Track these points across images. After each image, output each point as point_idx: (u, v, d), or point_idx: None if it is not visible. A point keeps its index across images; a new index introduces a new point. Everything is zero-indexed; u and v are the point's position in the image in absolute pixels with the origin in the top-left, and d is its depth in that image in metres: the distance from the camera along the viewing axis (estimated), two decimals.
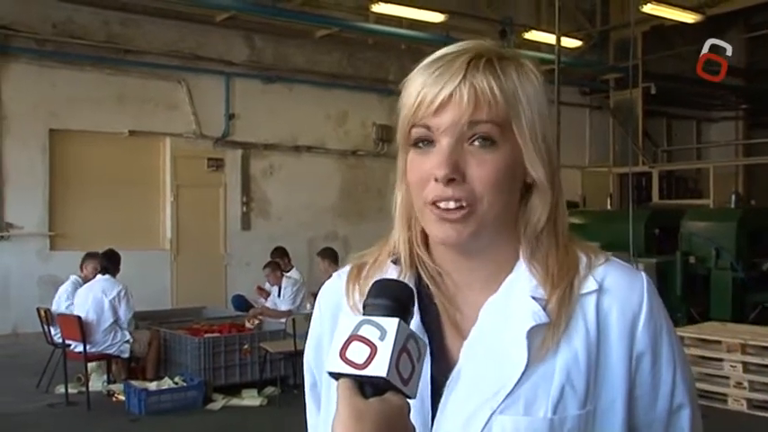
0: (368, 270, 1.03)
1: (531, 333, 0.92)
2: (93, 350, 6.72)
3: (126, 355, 6.93)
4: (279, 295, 7.81)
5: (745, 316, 8.74)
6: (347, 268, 1.07)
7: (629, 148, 11.85)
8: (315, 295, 1.14)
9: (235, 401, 6.53)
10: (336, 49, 12.24)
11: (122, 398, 6.42)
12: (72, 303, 7.04)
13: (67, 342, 6.76)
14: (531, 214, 0.97)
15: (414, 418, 0.85)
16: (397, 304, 0.85)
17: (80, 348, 6.62)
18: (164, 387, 6.36)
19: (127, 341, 6.87)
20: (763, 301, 8.96)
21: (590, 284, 0.96)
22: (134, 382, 6.48)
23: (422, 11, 10.96)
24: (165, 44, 10.73)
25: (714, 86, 13.77)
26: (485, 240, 0.95)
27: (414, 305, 0.89)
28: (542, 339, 0.92)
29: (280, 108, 11.73)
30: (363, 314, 0.85)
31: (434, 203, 0.92)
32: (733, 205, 10.07)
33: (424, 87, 0.93)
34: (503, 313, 0.95)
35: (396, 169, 1.01)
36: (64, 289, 7.32)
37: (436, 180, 0.91)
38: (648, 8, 11.19)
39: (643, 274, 1.00)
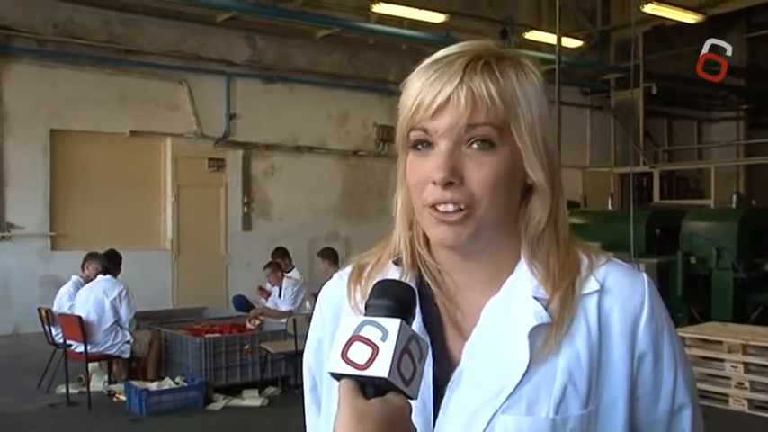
0: (369, 271, 1.03)
1: (533, 333, 0.92)
2: (93, 350, 6.72)
3: (127, 356, 6.94)
4: (279, 296, 7.81)
5: (747, 316, 8.74)
6: (348, 269, 1.07)
7: (630, 149, 11.86)
8: (315, 296, 1.14)
9: (236, 402, 6.54)
10: (337, 49, 12.24)
11: (123, 398, 6.42)
12: (74, 304, 7.04)
13: (68, 342, 6.76)
14: (532, 216, 0.97)
15: (415, 418, 0.85)
16: (398, 305, 0.85)
17: (81, 348, 6.62)
18: (165, 387, 6.36)
19: (128, 341, 6.88)
20: (764, 301, 8.96)
21: (591, 285, 0.96)
22: (135, 383, 6.48)
23: (423, 11, 10.95)
24: (166, 44, 10.74)
25: (715, 86, 13.78)
26: (484, 241, 0.95)
27: (416, 306, 0.89)
28: (544, 339, 0.92)
29: (281, 108, 11.73)
30: (365, 315, 0.86)
31: (433, 206, 0.93)
32: (734, 205, 10.07)
33: (422, 90, 0.93)
34: (504, 313, 0.95)
35: (396, 170, 1.01)
36: (66, 289, 7.32)
37: (434, 183, 0.91)
38: (649, 8, 11.18)
39: (644, 274, 1.00)
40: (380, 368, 0.80)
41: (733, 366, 6.22)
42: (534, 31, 12.36)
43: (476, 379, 0.93)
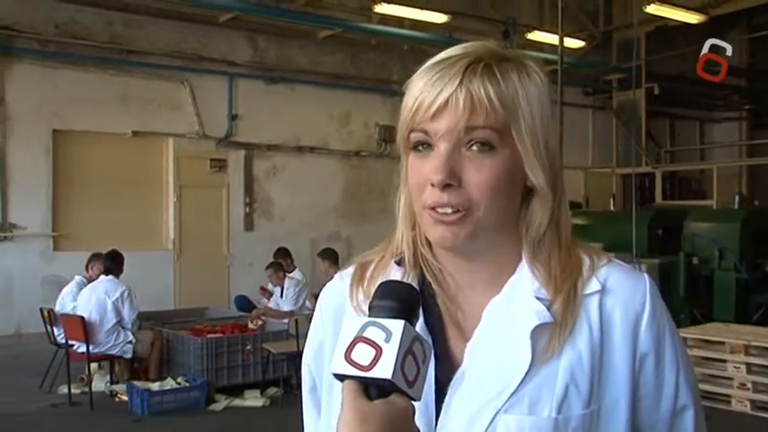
0: (371, 271, 1.03)
1: (536, 333, 0.92)
2: (96, 351, 6.73)
3: (129, 356, 6.94)
4: (281, 296, 7.81)
5: (749, 317, 8.73)
6: (350, 269, 1.07)
7: (632, 149, 11.84)
8: (317, 296, 1.13)
9: (237, 402, 6.54)
10: (339, 49, 12.25)
11: (125, 398, 6.43)
12: (77, 304, 7.05)
13: (70, 342, 6.77)
14: (533, 218, 0.97)
15: (417, 419, 0.85)
16: (402, 306, 0.85)
17: (83, 349, 6.63)
18: (166, 387, 6.36)
19: (130, 342, 6.88)
20: (766, 301, 8.96)
21: (593, 285, 0.96)
22: (137, 383, 6.48)
23: (425, 11, 10.95)
24: (168, 45, 10.74)
25: (717, 87, 13.78)
26: (483, 243, 0.95)
27: (419, 307, 0.90)
28: (547, 339, 0.92)
29: (283, 109, 11.73)
30: (369, 316, 0.85)
31: (432, 208, 0.93)
32: (736, 206, 10.07)
33: (422, 92, 0.93)
34: (506, 314, 0.95)
35: (399, 170, 1.01)
36: (69, 289, 7.33)
37: (432, 185, 0.92)
38: (651, 9, 11.18)
39: (646, 275, 1.00)
40: (384, 370, 0.80)
41: (735, 367, 6.21)
42: (536, 32, 12.37)
43: (477, 379, 0.93)
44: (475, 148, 0.92)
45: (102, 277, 7.02)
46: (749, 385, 6.14)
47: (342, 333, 0.84)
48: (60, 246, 10.01)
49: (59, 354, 6.91)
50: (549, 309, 0.93)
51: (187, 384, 6.44)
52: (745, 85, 15.97)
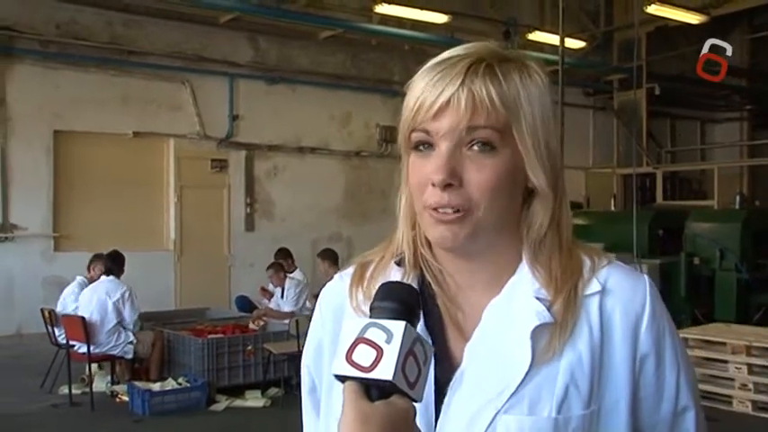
0: (371, 271, 1.03)
1: (535, 333, 0.92)
2: (96, 351, 6.73)
3: (130, 356, 6.95)
4: (282, 296, 7.81)
5: (750, 317, 8.72)
6: (350, 270, 1.06)
7: (633, 149, 11.83)
8: (318, 297, 1.13)
9: (238, 402, 6.54)
10: (340, 50, 12.25)
11: (126, 398, 6.44)
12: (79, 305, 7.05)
13: (71, 343, 6.77)
14: (534, 219, 0.97)
15: (417, 420, 0.85)
16: (403, 307, 0.85)
17: (84, 349, 6.63)
18: (167, 388, 6.36)
19: (130, 342, 6.89)
20: (767, 302, 8.94)
21: (593, 286, 0.96)
22: (138, 383, 6.48)
23: (425, 12, 10.96)
24: (168, 45, 10.75)
25: (718, 87, 13.77)
26: (483, 243, 0.95)
27: (420, 308, 0.89)
28: (547, 340, 0.92)
29: (284, 109, 11.74)
30: (370, 317, 0.85)
31: (433, 209, 0.93)
32: (737, 206, 10.06)
33: (423, 91, 0.93)
34: (506, 314, 0.95)
35: (399, 170, 1.01)
36: (70, 290, 7.33)
37: (434, 185, 0.92)
38: (652, 9, 11.18)
39: (646, 276, 1.00)
40: (385, 371, 0.80)
41: (737, 368, 6.20)
42: (537, 32, 12.37)
43: (477, 379, 0.93)
44: (476, 148, 0.92)
45: (103, 278, 7.02)
46: (750, 386, 6.14)
47: (343, 334, 0.84)
48: (61, 246, 10.01)
49: (60, 354, 6.91)
50: (549, 309, 0.93)
51: (188, 385, 6.44)
52: (746, 86, 15.97)
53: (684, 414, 0.99)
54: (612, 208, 12.44)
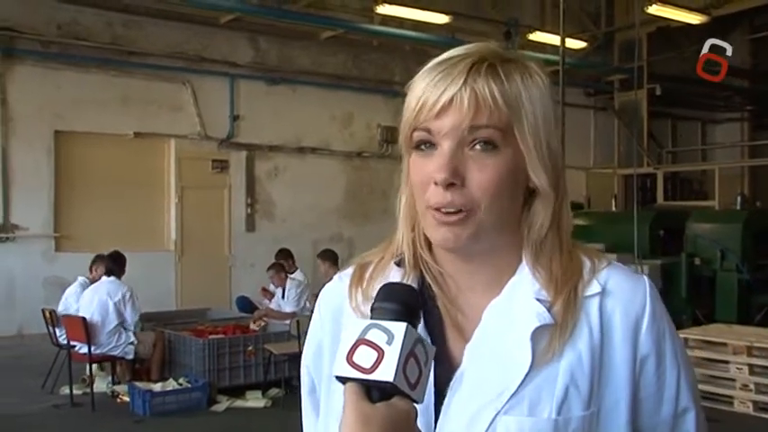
0: (371, 272, 1.03)
1: (536, 334, 0.92)
2: (97, 351, 6.73)
3: (130, 357, 6.94)
4: (283, 297, 7.81)
5: (751, 318, 8.72)
6: (349, 270, 1.06)
7: (634, 150, 11.83)
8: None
9: (239, 403, 6.54)
10: (341, 50, 12.25)
11: (127, 399, 6.44)
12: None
13: (72, 343, 6.78)
14: (534, 219, 0.97)
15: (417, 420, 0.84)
16: (404, 308, 0.85)
17: (85, 350, 6.63)
18: (168, 388, 6.37)
19: (131, 343, 6.89)
20: None
21: (593, 287, 0.96)
22: (139, 384, 6.49)
23: (426, 12, 10.95)
24: (169, 46, 10.75)
25: (719, 88, 13.77)
26: (485, 244, 0.95)
27: (421, 310, 0.89)
28: (547, 341, 0.92)
29: (284, 109, 11.74)
30: (371, 318, 0.85)
31: (436, 209, 0.92)
32: (738, 207, 10.06)
33: (425, 91, 0.93)
34: (506, 315, 0.95)
35: (400, 171, 1.01)
36: (73, 291, 7.32)
37: (436, 184, 0.91)
38: (653, 9, 11.17)
39: (645, 278, 1.00)
40: (386, 372, 0.80)
41: (738, 368, 6.20)
42: (538, 33, 12.36)
43: (477, 380, 0.93)
44: (478, 147, 0.92)
45: (104, 278, 7.03)
46: (751, 386, 6.13)
47: (344, 335, 0.84)
48: (62, 246, 10.01)
49: (61, 355, 6.92)
50: (549, 310, 0.93)
51: (189, 385, 6.44)
52: (747, 86, 15.96)
53: (685, 415, 0.99)
54: (613, 208, 12.44)
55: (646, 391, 0.96)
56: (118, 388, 6.80)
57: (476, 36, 11.05)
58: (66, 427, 6.13)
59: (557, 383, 0.91)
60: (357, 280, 1.03)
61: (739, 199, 10.22)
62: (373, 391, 0.81)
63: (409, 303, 0.86)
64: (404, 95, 0.97)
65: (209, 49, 11.10)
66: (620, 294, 0.96)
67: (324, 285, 1.11)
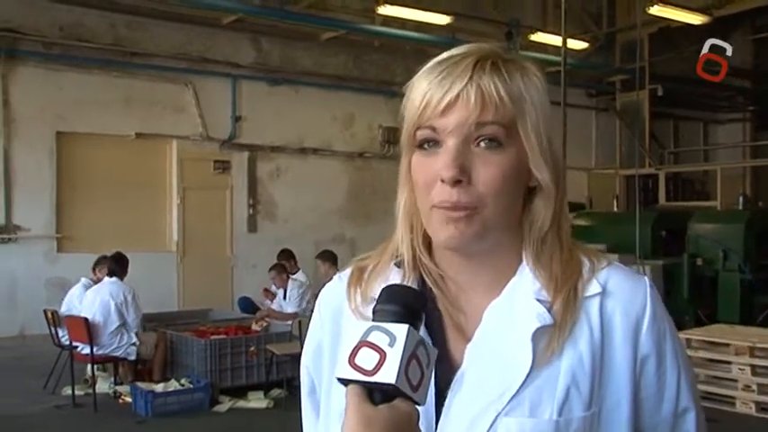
0: (369, 273, 1.03)
1: (536, 335, 0.92)
2: (99, 352, 6.74)
3: (132, 358, 6.95)
4: (285, 297, 7.81)
5: (754, 318, 8.71)
6: (348, 271, 1.06)
7: (636, 150, 11.81)
8: None
9: (241, 403, 6.54)
10: (343, 51, 12.25)
11: (129, 400, 6.44)
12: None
13: (74, 344, 6.78)
14: (536, 217, 0.97)
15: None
16: (406, 310, 0.85)
17: (87, 350, 6.64)
18: (170, 389, 6.37)
19: (133, 343, 6.89)
20: None
21: (593, 287, 0.96)
22: (141, 384, 6.49)
23: (428, 13, 10.96)
24: (171, 47, 10.76)
25: (721, 88, 13.76)
26: (488, 243, 0.95)
27: (423, 311, 0.89)
28: (547, 342, 0.92)
29: (286, 110, 11.74)
30: (373, 319, 0.85)
31: (442, 206, 0.92)
32: (740, 207, 10.05)
33: (429, 89, 0.92)
34: (507, 316, 0.95)
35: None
36: (76, 292, 7.32)
37: (443, 181, 0.91)
38: (655, 10, 11.17)
39: (646, 278, 1.00)
40: (388, 374, 0.79)
41: (740, 369, 6.19)
42: (540, 33, 12.37)
43: (478, 381, 0.93)
44: (483, 144, 0.91)
45: (107, 279, 7.03)
46: (754, 387, 6.12)
47: (346, 337, 0.84)
48: (64, 247, 10.02)
49: (63, 355, 6.92)
50: (549, 311, 0.93)
51: (191, 386, 6.45)
52: (749, 87, 15.95)
53: (685, 415, 0.99)
54: (615, 209, 12.44)
55: (646, 391, 0.96)
56: (120, 389, 6.81)
57: (477, 37, 11.06)
58: (67, 427, 6.13)
59: (558, 384, 0.91)
60: (356, 281, 1.03)
61: (741, 199, 10.21)
62: (375, 393, 0.81)
63: (411, 305, 0.86)
64: (403, 96, 0.97)
65: (212, 49, 11.11)
66: (621, 295, 0.96)
67: (324, 286, 1.11)
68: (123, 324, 6.88)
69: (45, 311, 7.22)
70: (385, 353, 0.80)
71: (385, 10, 10.60)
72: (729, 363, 6.28)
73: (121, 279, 7.06)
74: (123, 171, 10.45)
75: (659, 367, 0.96)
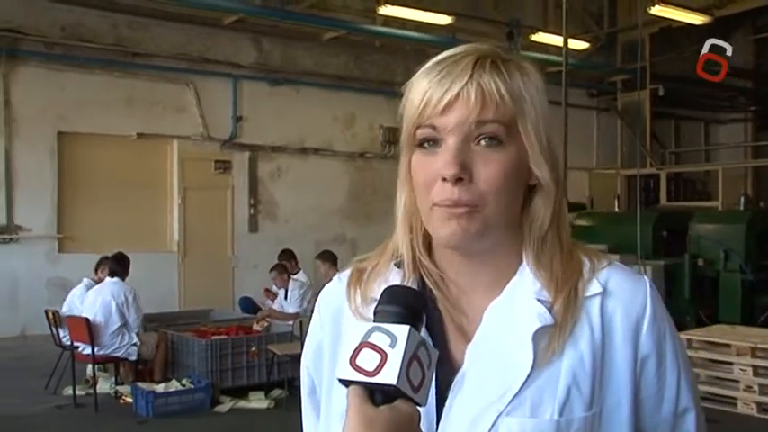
0: (369, 273, 1.03)
1: (537, 335, 0.92)
2: (100, 352, 6.74)
3: (133, 358, 6.95)
4: (286, 298, 7.82)
5: (755, 319, 8.70)
6: (348, 271, 1.06)
7: (637, 150, 11.81)
8: None
9: (242, 404, 6.54)
10: (343, 51, 12.26)
11: (130, 400, 6.44)
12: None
13: (76, 344, 6.78)
14: (536, 216, 0.97)
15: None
16: (407, 311, 0.85)
17: (88, 350, 6.64)
18: (171, 389, 6.37)
19: (134, 344, 6.89)
20: None
21: (594, 287, 0.96)
22: (142, 384, 6.49)
23: (428, 13, 10.96)
24: (173, 47, 10.77)
25: (722, 88, 13.75)
26: (488, 242, 0.95)
27: (425, 312, 0.89)
28: (548, 342, 0.92)
29: (287, 110, 11.75)
30: (374, 320, 0.85)
31: (443, 205, 0.92)
32: (742, 207, 10.03)
33: (429, 88, 0.92)
34: (507, 316, 0.95)
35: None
36: (78, 292, 7.32)
37: (444, 180, 0.91)
38: (656, 10, 11.16)
39: (646, 278, 1.00)
40: (389, 375, 0.79)
41: (741, 369, 6.19)
42: (541, 33, 12.36)
43: (479, 381, 0.93)
44: (483, 143, 0.92)
45: (108, 279, 7.03)
46: (755, 388, 6.12)
47: (346, 338, 0.84)
48: (65, 248, 10.03)
49: (64, 355, 6.92)
50: (550, 311, 0.93)
51: (192, 386, 6.45)
52: (750, 87, 15.94)
53: (685, 415, 0.99)
54: (616, 209, 12.43)
55: (646, 391, 0.96)
56: (121, 389, 6.81)
57: (478, 37, 11.06)
58: (68, 427, 6.14)
59: (558, 384, 0.91)
60: (355, 281, 1.03)
61: (743, 199, 10.19)
62: (376, 394, 0.81)
63: (412, 306, 0.86)
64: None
65: (213, 50, 11.11)
66: (621, 295, 0.96)
67: (324, 286, 1.11)
68: (124, 324, 6.88)
69: (46, 312, 7.22)
70: (386, 354, 0.80)
71: (386, 10, 10.60)
72: (731, 363, 6.27)
73: (123, 279, 7.06)
74: (124, 171, 10.46)
75: (659, 367, 0.96)
